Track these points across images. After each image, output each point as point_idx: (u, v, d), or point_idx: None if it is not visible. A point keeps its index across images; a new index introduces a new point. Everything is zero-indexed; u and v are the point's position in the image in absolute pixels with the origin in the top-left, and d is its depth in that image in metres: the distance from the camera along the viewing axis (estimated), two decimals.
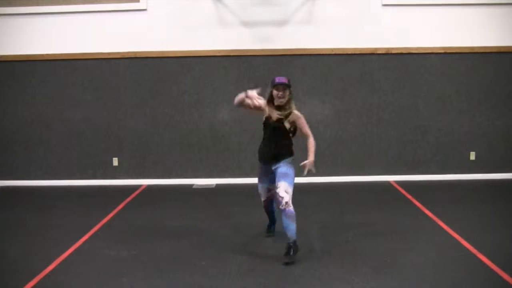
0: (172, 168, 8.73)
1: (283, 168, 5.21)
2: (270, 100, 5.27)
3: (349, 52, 8.46)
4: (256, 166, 5.62)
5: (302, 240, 5.57)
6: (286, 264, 4.94)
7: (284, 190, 5.09)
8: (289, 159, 5.27)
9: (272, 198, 5.51)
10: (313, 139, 5.27)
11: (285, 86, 5.20)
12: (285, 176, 5.17)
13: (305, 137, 5.30)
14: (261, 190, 5.51)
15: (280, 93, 5.18)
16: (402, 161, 8.66)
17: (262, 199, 5.54)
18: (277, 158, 5.24)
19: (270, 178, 5.38)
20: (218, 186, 8.52)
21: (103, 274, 4.84)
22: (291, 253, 5.01)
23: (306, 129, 5.28)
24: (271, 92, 5.24)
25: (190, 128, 8.64)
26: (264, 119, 5.33)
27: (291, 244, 5.04)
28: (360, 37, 8.43)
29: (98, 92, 8.60)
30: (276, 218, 5.67)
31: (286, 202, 5.05)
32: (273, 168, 5.27)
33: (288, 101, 5.25)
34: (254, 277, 4.69)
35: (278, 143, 5.27)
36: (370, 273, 4.72)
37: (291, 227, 5.04)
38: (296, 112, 5.26)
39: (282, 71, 8.45)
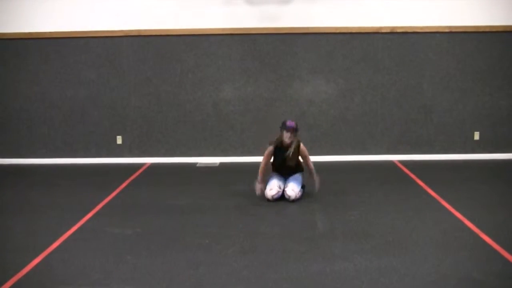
0: (175, 146, 8.74)
1: (295, 175, 6.43)
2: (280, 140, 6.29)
3: (354, 31, 8.39)
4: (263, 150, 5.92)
5: (306, 218, 5.63)
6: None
7: (292, 189, 6.22)
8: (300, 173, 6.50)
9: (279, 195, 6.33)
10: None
11: (294, 130, 6.22)
12: (295, 179, 6.37)
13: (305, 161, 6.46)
14: (273, 184, 6.28)
15: (289, 134, 6.20)
16: (406, 140, 8.65)
17: (272, 193, 6.24)
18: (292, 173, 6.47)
19: (282, 180, 6.44)
20: (221, 164, 8.53)
21: (107, 251, 4.87)
22: None
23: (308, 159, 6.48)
24: (282, 133, 6.23)
25: (193, 106, 8.63)
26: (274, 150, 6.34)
27: None
28: (364, 16, 8.36)
29: (102, 70, 8.58)
30: None
31: (293, 200, 6.20)
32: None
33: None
34: (257, 255, 4.72)
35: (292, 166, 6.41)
36: (373, 252, 4.74)
37: None
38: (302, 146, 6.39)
39: (286, 49, 8.44)
